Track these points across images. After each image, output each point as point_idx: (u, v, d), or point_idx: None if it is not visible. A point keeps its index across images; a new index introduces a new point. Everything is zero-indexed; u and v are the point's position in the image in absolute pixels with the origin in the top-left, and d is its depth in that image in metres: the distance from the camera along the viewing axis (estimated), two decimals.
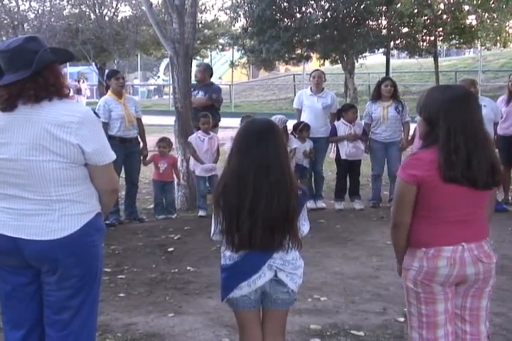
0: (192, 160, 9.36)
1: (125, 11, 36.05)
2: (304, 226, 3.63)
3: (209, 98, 10.58)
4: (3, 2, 26.87)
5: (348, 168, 9.96)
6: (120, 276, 6.49)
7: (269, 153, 3.45)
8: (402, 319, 5.16)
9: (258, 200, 3.40)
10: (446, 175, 3.27)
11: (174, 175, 9.48)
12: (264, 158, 3.43)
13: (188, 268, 6.76)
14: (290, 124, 9.61)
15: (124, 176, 9.05)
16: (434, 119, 3.39)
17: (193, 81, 10.73)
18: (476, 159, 3.27)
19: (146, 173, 11.50)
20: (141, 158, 9.12)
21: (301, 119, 9.95)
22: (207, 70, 11.15)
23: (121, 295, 5.93)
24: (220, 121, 10.93)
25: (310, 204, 9.16)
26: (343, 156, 9.81)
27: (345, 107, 10.15)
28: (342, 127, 9.80)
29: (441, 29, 17.76)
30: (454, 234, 3.36)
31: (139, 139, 9.08)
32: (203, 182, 9.38)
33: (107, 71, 11.42)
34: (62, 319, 3.39)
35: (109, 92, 8.88)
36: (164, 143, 9.31)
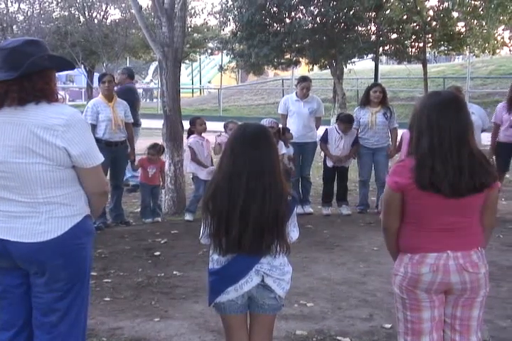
0: (193, 165, 9.29)
1: (114, 14, 35.91)
2: (294, 233, 3.63)
3: None
4: None
5: (335, 173, 9.97)
6: (106, 280, 6.46)
7: (263, 157, 3.47)
8: (388, 325, 5.16)
9: (250, 204, 3.41)
10: (419, 183, 3.27)
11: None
12: (258, 162, 3.45)
13: (175, 272, 6.74)
14: None
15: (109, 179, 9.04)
16: (411, 126, 3.43)
17: None
18: (440, 165, 3.25)
19: None
20: (129, 162, 9.10)
21: (288, 124, 9.93)
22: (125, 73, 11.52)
23: (107, 299, 5.91)
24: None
25: (297, 209, 9.11)
26: (329, 164, 9.86)
27: (344, 119, 9.82)
28: (334, 134, 9.78)
29: (430, 36, 17.75)
30: (439, 242, 3.35)
31: (127, 143, 9.06)
32: (204, 186, 9.31)
33: (96, 74, 11.50)
34: (50, 321, 3.40)
35: (100, 95, 8.91)
36: (154, 150, 9.25)
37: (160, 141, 9.78)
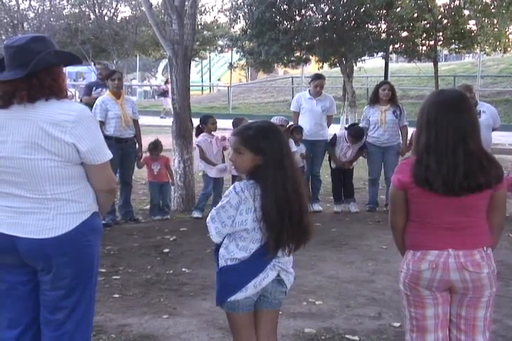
0: (202, 163, 9.32)
1: (125, 12, 35.98)
2: None
3: None
4: (3, 1, 26.82)
5: (342, 171, 10.00)
6: (115, 277, 6.47)
7: (293, 162, 3.57)
8: (397, 324, 5.15)
9: (292, 207, 3.47)
10: (415, 180, 3.28)
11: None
12: (293, 166, 3.53)
13: (183, 269, 6.75)
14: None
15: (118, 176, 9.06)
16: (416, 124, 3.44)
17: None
18: (434, 163, 3.24)
19: (143, 174, 11.47)
20: (137, 159, 9.11)
21: (300, 122, 9.93)
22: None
23: (116, 295, 5.92)
24: None
25: None
26: (332, 165, 9.96)
27: (352, 134, 9.77)
28: (342, 141, 9.80)
29: (441, 34, 17.71)
30: (441, 240, 3.36)
31: (135, 140, 9.07)
32: (213, 184, 9.32)
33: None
34: (57, 319, 3.39)
35: (108, 92, 8.91)
36: (154, 148, 9.28)
37: (165, 138, 9.76)
